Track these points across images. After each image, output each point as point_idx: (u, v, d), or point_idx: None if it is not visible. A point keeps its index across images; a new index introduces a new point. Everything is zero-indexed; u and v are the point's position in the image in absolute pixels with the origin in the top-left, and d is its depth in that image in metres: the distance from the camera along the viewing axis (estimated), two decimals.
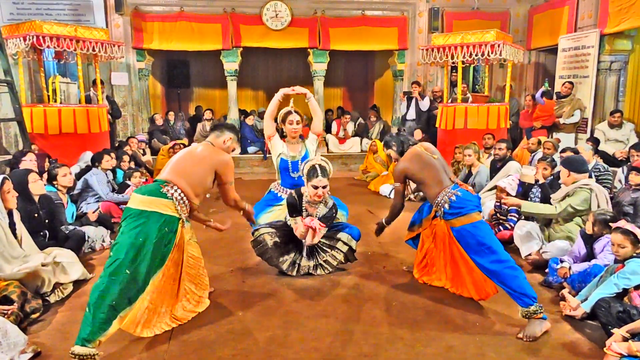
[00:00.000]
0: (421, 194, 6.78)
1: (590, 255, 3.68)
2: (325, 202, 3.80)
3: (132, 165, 6.88)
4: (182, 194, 2.94)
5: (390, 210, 3.79)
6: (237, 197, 3.39)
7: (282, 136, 4.25)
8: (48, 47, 6.61)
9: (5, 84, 6.19)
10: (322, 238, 3.88)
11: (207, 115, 9.58)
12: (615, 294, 3.01)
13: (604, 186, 5.25)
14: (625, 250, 3.07)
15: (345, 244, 3.93)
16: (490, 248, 3.13)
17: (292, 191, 3.86)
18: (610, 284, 3.02)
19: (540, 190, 4.88)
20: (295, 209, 3.78)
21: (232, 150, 3.35)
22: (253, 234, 3.87)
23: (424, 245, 3.82)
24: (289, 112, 4.13)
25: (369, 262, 4.30)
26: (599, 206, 3.99)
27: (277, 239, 3.83)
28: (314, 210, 3.78)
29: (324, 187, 3.66)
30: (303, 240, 3.83)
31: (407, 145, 3.69)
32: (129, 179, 5.94)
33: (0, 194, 3.49)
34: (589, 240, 3.70)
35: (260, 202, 4.29)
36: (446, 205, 3.31)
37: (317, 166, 3.66)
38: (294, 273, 3.91)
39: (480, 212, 3.37)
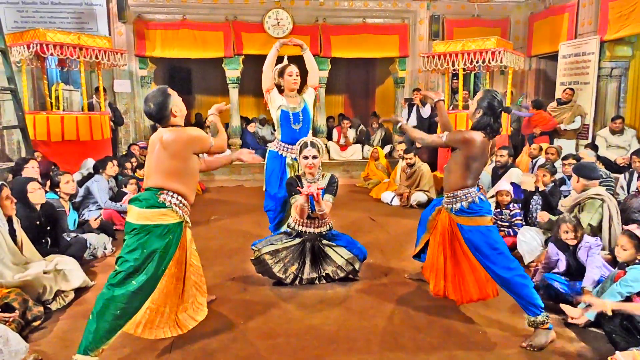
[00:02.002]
0: (422, 200, 6.79)
1: (574, 263, 3.58)
2: (322, 176, 3.83)
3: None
4: (179, 197, 2.80)
5: (424, 136, 3.36)
6: (229, 157, 3.30)
7: (280, 91, 4.28)
8: (51, 54, 6.66)
9: (9, 92, 6.22)
10: (326, 248, 3.87)
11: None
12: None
13: None
14: (626, 253, 3.09)
15: (350, 264, 3.92)
16: (503, 254, 3.07)
17: (292, 176, 3.94)
18: (614, 293, 3.00)
19: (541, 197, 4.88)
20: (295, 187, 3.77)
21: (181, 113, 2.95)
22: (254, 251, 3.84)
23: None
24: (287, 65, 4.23)
25: (371, 270, 4.29)
26: (610, 217, 3.95)
27: (278, 256, 3.82)
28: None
29: (314, 157, 3.72)
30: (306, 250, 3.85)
31: (496, 124, 3.11)
32: (125, 187, 5.95)
33: None
34: (566, 247, 3.62)
35: (269, 174, 4.32)
36: (465, 203, 3.13)
37: (307, 141, 3.81)
38: (297, 283, 3.90)
39: (492, 216, 3.30)
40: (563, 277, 3.59)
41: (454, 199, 3.18)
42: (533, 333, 2.97)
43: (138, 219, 2.72)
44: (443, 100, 3.60)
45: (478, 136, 3.06)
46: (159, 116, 2.83)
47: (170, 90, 2.91)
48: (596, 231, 3.97)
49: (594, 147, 6.64)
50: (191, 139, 2.82)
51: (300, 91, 4.39)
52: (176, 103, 2.88)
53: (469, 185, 3.14)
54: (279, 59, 4.34)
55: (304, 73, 4.41)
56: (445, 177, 3.31)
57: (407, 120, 9.28)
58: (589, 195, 4.01)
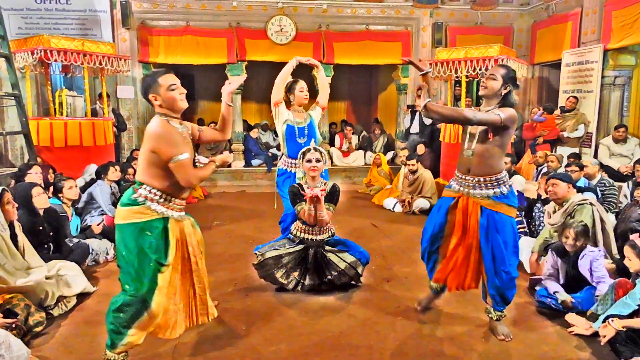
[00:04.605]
0: (424, 207, 6.78)
1: (572, 272, 3.58)
2: (324, 184, 3.80)
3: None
4: (157, 191, 2.60)
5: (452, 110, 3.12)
6: (200, 174, 2.70)
7: (287, 105, 4.30)
8: (55, 61, 6.68)
9: (13, 97, 6.25)
10: (329, 254, 3.85)
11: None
12: (627, 314, 2.97)
13: (610, 201, 5.25)
14: (631, 263, 3.13)
15: (353, 268, 3.91)
16: (517, 253, 3.08)
17: (294, 184, 3.93)
18: (624, 304, 2.98)
19: (543, 205, 4.86)
20: (298, 194, 3.76)
21: (179, 96, 2.63)
22: (256, 256, 3.84)
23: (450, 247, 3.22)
24: (297, 81, 4.26)
25: (373, 276, 4.28)
26: (601, 219, 3.95)
27: (281, 262, 3.81)
28: None
29: (317, 161, 3.73)
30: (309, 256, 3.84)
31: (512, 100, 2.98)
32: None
33: (0, 206, 3.50)
34: (566, 255, 3.62)
35: (284, 194, 4.25)
36: (505, 187, 2.96)
37: (310, 147, 3.82)
38: (299, 289, 3.89)
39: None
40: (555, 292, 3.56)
41: (497, 183, 2.97)
42: (498, 325, 3.13)
43: (117, 218, 2.64)
44: (429, 71, 3.07)
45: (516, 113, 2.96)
46: (144, 97, 2.68)
47: (162, 77, 2.63)
48: (591, 236, 3.96)
49: (577, 157, 6.54)
50: (152, 136, 2.56)
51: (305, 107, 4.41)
52: (158, 92, 2.60)
53: (503, 169, 3.03)
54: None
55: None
56: (480, 162, 2.98)
57: (410, 126, 9.30)
58: (576, 202, 4.03)
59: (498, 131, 2.91)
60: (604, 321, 2.94)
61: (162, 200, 2.62)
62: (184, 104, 2.67)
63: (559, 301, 3.44)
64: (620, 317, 2.88)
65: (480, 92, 3.08)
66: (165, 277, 2.63)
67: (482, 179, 2.99)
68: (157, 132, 2.56)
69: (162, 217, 2.62)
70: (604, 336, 2.82)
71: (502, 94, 2.96)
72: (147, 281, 2.58)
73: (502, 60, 7.17)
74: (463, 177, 3.08)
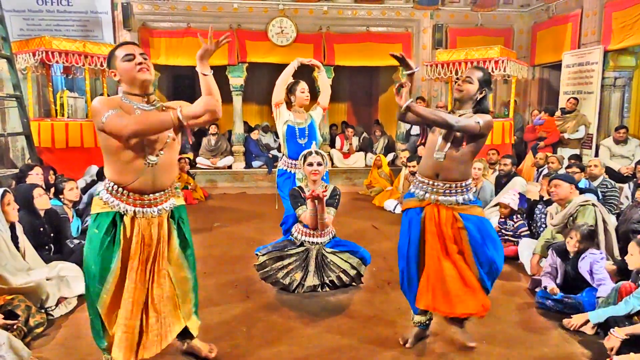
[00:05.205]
0: None
1: (572, 273, 3.58)
2: (325, 187, 3.77)
3: None
4: (110, 182, 2.36)
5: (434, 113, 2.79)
6: (141, 117, 2.29)
7: (288, 106, 4.32)
8: (57, 62, 6.72)
9: (14, 99, 6.27)
10: (330, 255, 3.85)
11: (212, 129, 9.62)
12: (627, 314, 2.97)
13: (611, 202, 5.25)
14: (632, 259, 3.13)
15: (354, 268, 3.90)
16: (500, 246, 2.97)
17: (294, 187, 3.93)
18: (626, 302, 2.98)
19: (545, 206, 4.86)
20: (300, 197, 3.77)
21: (137, 66, 2.36)
22: (257, 257, 3.84)
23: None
24: (298, 82, 4.28)
25: (374, 277, 4.27)
26: (604, 221, 3.95)
27: (282, 263, 3.81)
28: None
29: (318, 164, 3.71)
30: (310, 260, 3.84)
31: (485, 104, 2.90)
32: None
33: (1, 207, 3.50)
34: (566, 256, 3.63)
35: (284, 194, 4.25)
36: (470, 194, 2.88)
37: (312, 150, 3.80)
38: (300, 291, 3.89)
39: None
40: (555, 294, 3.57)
41: (466, 189, 2.88)
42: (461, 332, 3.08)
43: None
44: (416, 71, 2.77)
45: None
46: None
47: (119, 49, 2.39)
48: (593, 237, 3.96)
49: (577, 159, 6.53)
50: (91, 111, 2.30)
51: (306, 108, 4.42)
52: (115, 65, 2.37)
53: (469, 177, 2.98)
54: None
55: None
56: (450, 168, 2.85)
57: (410, 128, 9.30)
58: (578, 204, 4.03)
59: (474, 138, 2.81)
60: (605, 331, 2.94)
61: (114, 191, 2.35)
62: (143, 75, 2.35)
63: (547, 290, 3.52)
64: (618, 323, 2.88)
65: (455, 95, 2.95)
66: (113, 284, 2.36)
67: (452, 185, 2.85)
68: (92, 106, 2.27)
69: (113, 212, 2.34)
70: (611, 349, 2.80)
71: (478, 99, 2.86)
72: (93, 285, 2.37)
73: (502, 62, 7.20)
74: (431, 182, 2.89)
